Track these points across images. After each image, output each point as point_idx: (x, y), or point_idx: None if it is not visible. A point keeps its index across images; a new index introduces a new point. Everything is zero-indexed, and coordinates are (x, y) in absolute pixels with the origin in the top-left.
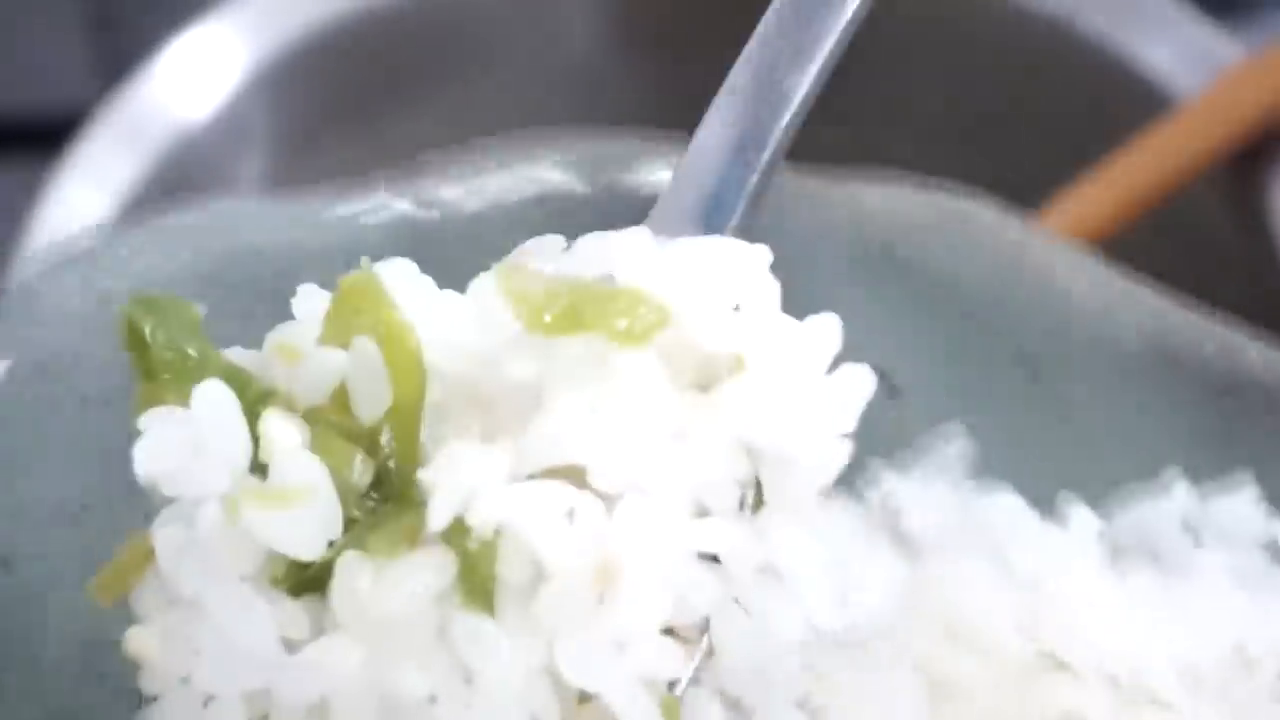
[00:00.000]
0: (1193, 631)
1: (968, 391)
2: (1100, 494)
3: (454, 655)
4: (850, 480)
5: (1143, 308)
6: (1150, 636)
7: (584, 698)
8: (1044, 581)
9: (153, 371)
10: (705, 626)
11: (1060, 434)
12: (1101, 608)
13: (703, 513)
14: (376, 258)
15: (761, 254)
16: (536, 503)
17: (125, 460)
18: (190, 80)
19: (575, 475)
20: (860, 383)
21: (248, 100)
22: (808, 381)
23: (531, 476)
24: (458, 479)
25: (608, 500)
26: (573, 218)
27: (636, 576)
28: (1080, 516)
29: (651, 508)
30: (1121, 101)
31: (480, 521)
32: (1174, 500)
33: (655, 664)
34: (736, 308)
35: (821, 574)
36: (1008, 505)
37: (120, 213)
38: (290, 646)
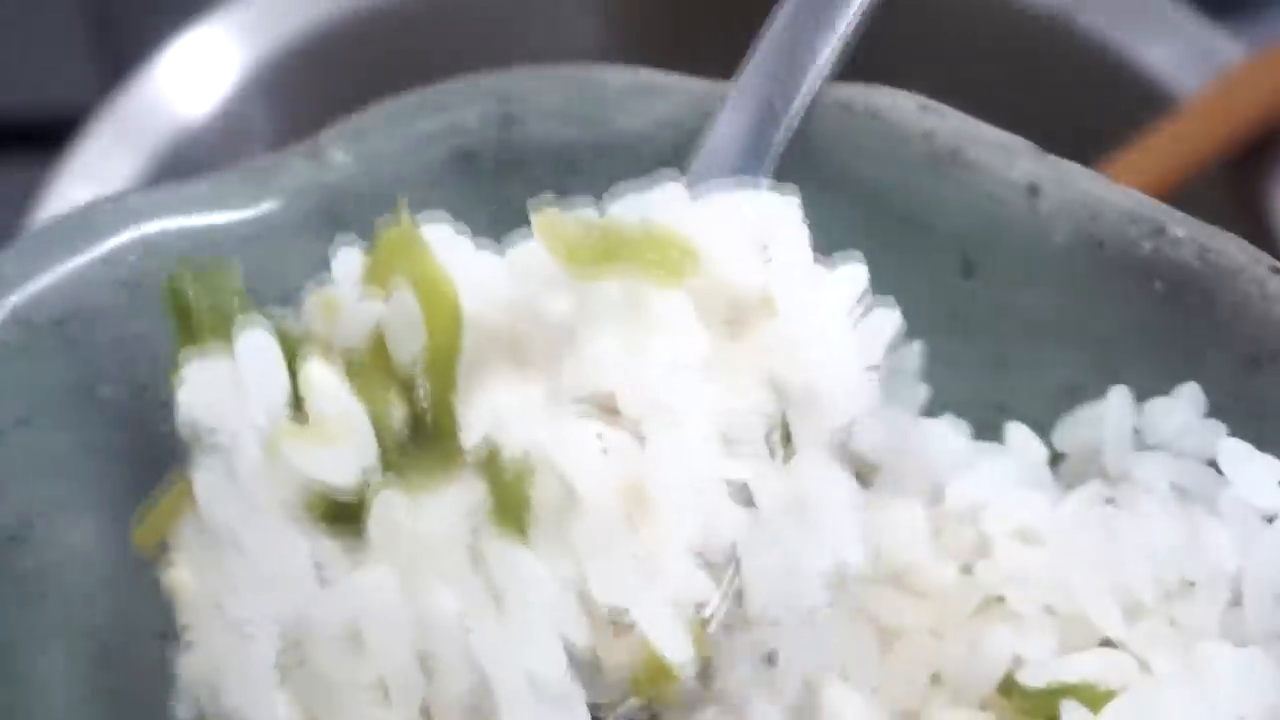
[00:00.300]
0: (1137, 560)
1: (912, 293)
2: (1044, 391)
3: (487, 579)
4: None
5: (1067, 192)
6: (1092, 569)
7: (617, 623)
8: (982, 517)
9: (196, 334)
10: (735, 558)
11: (1000, 328)
12: (1041, 541)
13: (732, 448)
14: (299, 233)
15: (792, 201)
16: (567, 429)
17: (51, 477)
18: (190, 80)
19: (607, 411)
20: (886, 325)
21: (247, 100)
22: (834, 323)
23: (556, 412)
24: (491, 405)
25: (639, 433)
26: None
27: (665, 500)
28: (1023, 440)
29: (680, 436)
30: (1121, 101)
31: (511, 445)
32: (1117, 411)
33: (685, 588)
34: (767, 252)
35: (848, 509)
36: (946, 435)
37: None
38: (324, 578)
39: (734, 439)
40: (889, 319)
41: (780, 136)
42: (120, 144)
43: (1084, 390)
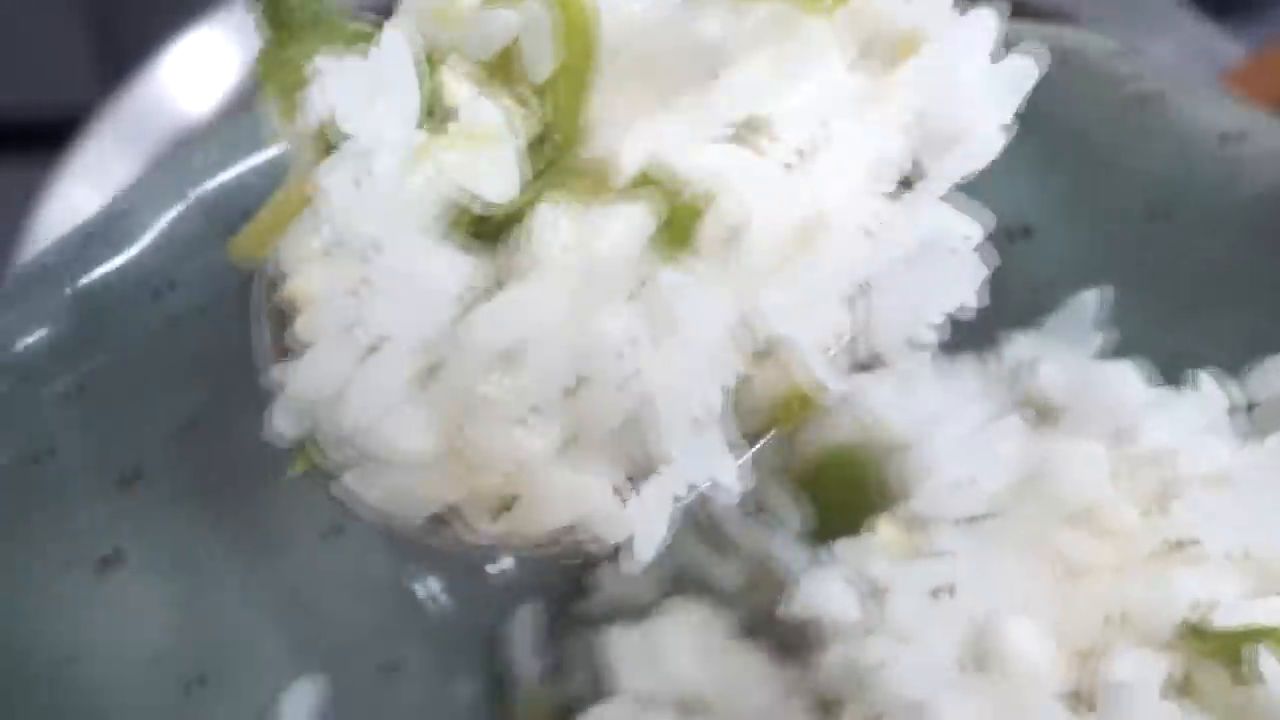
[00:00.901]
0: None
1: (1096, 233)
2: (1229, 338)
3: (653, 304)
4: (982, 336)
5: (1264, 141)
6: None
7: (759, 356)
8: (1172, 459)
9: (285, 21)
10: (865, 293)
11: (1188, 274)
12: (1231, 486)
13: (870, 186)
14: None
15: None
16: (739, 157)
17: (228, 368)
18: (190, 80)
19: (754, 142)
20: (1025, 71)
21: (247, 100)
22: (977, 66)
23: (715, 138)
24: (643, 132)
25: (792, 164)
26: None
27: (833, 235)
28: (1210, 388)
29: (843, 169)
30: None
31: (686, 172)
32: None
33: (836, 320)
34: None
35: (970, 253)
36: (1128, 379)
37: None
38: (470, 294)
39: (872, 177)
40: (1027, 69)
41: None
42: (120, 144)
43: (1271, 339)
